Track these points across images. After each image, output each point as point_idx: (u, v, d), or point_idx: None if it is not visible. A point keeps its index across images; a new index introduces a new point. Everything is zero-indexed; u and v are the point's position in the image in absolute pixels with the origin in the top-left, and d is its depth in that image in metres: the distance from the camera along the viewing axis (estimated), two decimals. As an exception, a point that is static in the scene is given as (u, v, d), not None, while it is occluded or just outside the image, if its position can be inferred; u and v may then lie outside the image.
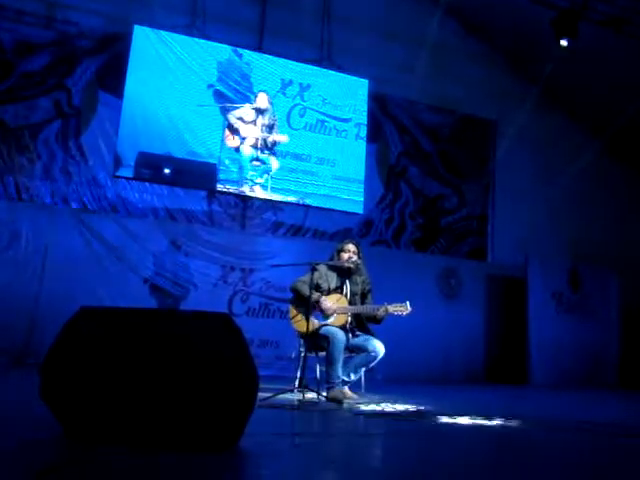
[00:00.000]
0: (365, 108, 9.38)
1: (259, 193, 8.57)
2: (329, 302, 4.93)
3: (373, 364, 4.80)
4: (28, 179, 7.62)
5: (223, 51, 8.67)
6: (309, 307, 4.74)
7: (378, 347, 4.74)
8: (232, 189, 8.46)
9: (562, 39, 8.37)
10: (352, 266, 5.06)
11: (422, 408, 4.24)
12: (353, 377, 4.77)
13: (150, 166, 8.08)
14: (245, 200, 8.67)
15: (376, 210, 9.55)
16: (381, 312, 4.80)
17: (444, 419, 3.63)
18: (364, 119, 9.36)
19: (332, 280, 5.08)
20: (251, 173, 8.51)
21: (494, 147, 10.51)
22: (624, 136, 10.27)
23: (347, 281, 5.09)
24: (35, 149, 7.71)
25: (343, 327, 4.87)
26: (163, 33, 8.33)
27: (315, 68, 9.13)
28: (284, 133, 8.79)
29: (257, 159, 8.55)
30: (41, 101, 7.82)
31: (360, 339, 4.88)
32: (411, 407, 4.30)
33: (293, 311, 5.00)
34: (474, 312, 9.47)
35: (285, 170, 8.71)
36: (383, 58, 9.32)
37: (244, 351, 2.34)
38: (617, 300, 10.02)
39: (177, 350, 2.31)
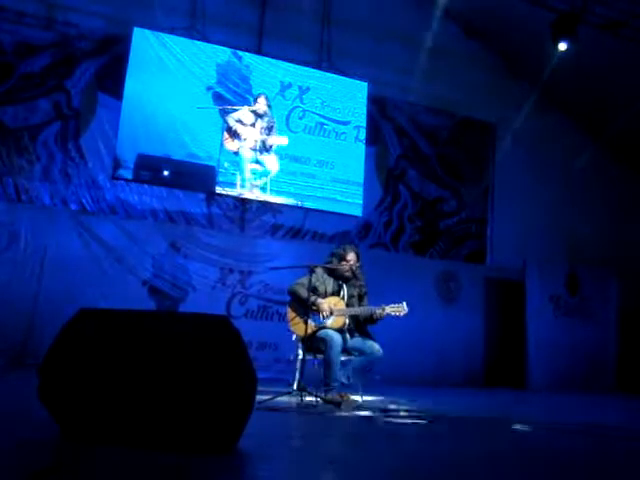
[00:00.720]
0: (364, 111, 9.39)
1: (258, 195, 8.58)
2: (327, 304, 4.93)
3: (371, 366, 4.80)
4: (27, 181, 7.63)
5: (222, 53, 8.68)
6: (307, 309, 4.74)
7: (376, 349, 4.75)
8: (231, 191, 8.46)
9: (561, 42, 8.39)
10: (350, 276, 5.07)
11: (420, 410, 4.24)
12: (351, 379, 4.77)
13: (149, 168, 8.08)
14: (244, 202, 8.67)
15: (375, 213, 9.55)
16: (378, 313, 4.81)
17: (442, 421, 3.63)
18: (363, 122, 9.37)
19: (329, 284, 5.07)
20: (250, 175, 8.51)
21: (493, 150, 10.52)
22: (623, 139, 10.29)
23: (344, 285, 5.10)
24: (34, 151, 7.71)
25: (341, 329, 4.87)
26: (163, 35, 8.33)
27: (314, 71, 9.14)
28: (283, 135, 8.79)
29: (256, 161, 8.56)
30: (41, 103, 7.83)
31: (358, 341, 4.88)
32: (409, 409, 4.30)
33: (291, 314, 5.00)
34: (473, 315, 9.47)
35: (284, 172, 8.71)
36: (382, 61, 9.33)
37: (243, 353, 2.35)
38: (615, 303, 10.02)
39: (175, 352, 2.31)
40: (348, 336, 4.90)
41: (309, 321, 4.74)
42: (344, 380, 4.72)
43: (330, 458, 2.44)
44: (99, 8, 8.10)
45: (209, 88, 8.56)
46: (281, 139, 8.74)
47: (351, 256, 5.10)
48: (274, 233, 8.80)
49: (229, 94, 8.63)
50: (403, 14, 9.54)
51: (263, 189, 8.57)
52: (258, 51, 8.91)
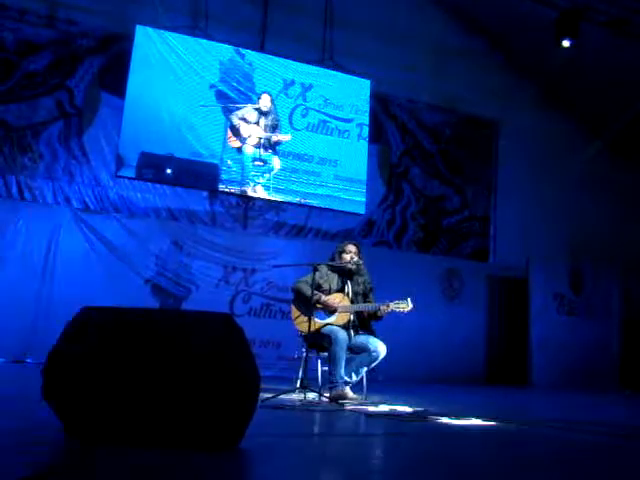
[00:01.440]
0: (367, 108, 9.38)
1: (261, 193, 8.57)
2: (332, 299, 4.93)
3: (374, 364, 4.79)
4: (30, 179, 7.64)
5: (225, 51, 8.67)
6: (311, 307, 4.74)
7: (380, 347, 4.73)
8: (234, 189, 8.46)
9: (564, 39, 8.37)
10: (353, 267, 5.06)
11: (423, 409, 4.24)
12: (355, 377, 4.76)
13: (152, 166, 8.08)
14: (247, 200, 8.67)
15: (378, 210, 9.55)
16: (383, 310, 4.80)
17: (445, 420, 3.63)
18: (366, 119, 9.36)
19: (333, 281, 5.07)
20: (253, 173, 8.51)
21: (496, 148, 10.51)
22: (627, 136, 10.26)
23: (348, 282, 5.09)
24: (37, 149, 7.72)
25: (345, 326, 4.87)
26: (165, 33, 8.33)
27: (317, 68, 9.13)
28: (286, 133, 8.79)
29: (259, 159, 8.55)
30: (43, 101, 7.84)
31: (362, 339, 4.87)
32: (412, 408, 4.29)
33: (295, 311, 5.00)
34: (475, 313, 9.47)
35: (287, 170, 8.71)
36: (385, 58, 9.32)
37: (246, 351, 2.34)
38: (619, 301, 10.00)
39: (179, 350, 2.31)
40: (352, 333, 4.89)
41: (313, 318, 4.73)
42: (348, 378, 4.71)
43: (333, 457, 2.44)
44: (101, 6, 8.10)
45: (212, 86, 8.55)
46: (284, 137, 8.74)
47: (350, 248, 5.10)
48: (277, 231, 8.80)
49: (232, 92, 8.62)
50: (406, 11, 9.54)
51: (266, 187, 8.56)
52: (261, 49, 8.90)
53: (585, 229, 10.30)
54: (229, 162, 8.44)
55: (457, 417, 3.71)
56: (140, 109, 8.09)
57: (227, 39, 8.68)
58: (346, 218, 9.17)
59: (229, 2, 8.72)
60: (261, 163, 8.56)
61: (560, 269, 9.79)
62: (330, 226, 9.09)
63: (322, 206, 8.90)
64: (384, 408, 4.27)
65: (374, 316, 4.91)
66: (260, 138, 8.58)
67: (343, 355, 4.68)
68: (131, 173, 8.00)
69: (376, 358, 4.73)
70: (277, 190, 8.63)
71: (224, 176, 8.40)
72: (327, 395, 4.54)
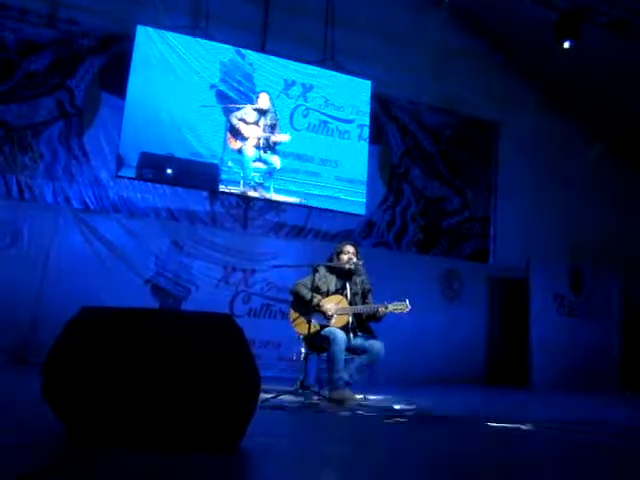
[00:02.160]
0: (368, 109, 9.37)
1: (261, 194, 8.57)
2: (329, 304, 4.92)
3: (374, 365, 4.80)
4: (30, 178, 7.63)
5: (226, 51, 8.67)
6: (310, 309, 4.74)
7: (379, 348, 4.74)
8: (234, 189, 8.46)
9: (565, 41, 8.37)
10: (352, 267, 5.06)
11: (423, 409, 4.23)
12: (354, 378, 4.76)
13: (152, 166, 8.08)
14: (247, 201, 8.67)
15: (378, 211, 9.55)
16: (381, 311, 4.80)
17: (445, 421, 3.62)
18: (367, 120, 9.35)
19: (332, 282, 5.07)
20: (253, 174, 8.50)
21: (496, 148, 10.51)
22: (627, 137, 10.26)
23: (347, 283, 5.09)
24: (38, 149, 7.72)
25: (344, 328, 4.87)
26: (166, 33, 8.32)
27: (318, 69, 9.13)
28: (286, 133, 8.79)
29: (259, 160, 8.55)
30: (44, 101, 7.83)
31: (361, 340, 4.87)
32: (412, 408, 4.29)
33: (293, 314, 5.00)
34: (475, 314, 9.46)
35: (287, 171, 8.71)
36: (386, 59, 9.32)
37: (246, 352, 2.34)
38: (619, 302, 10.00)
39: (178, 350, 2.31)
40: (351, 335, 4.89)
41: (312, 321, 4.73)
42: (347, 378, 4.71)
43: (333, 458, 2.43)
44: (102, 6, 8.09)
45: (212, 86, 8.55)
46: (283, 136, 8.73)
47: (348, 248, 5.11)
48: (277, 231, 8.79)
49: (233, 92, 8.62)
50: (407, 13, 9.53)
51: (266, 187, 8.56)
52: (262, 49, 8.89)
53: (585, 230, 10.29)
54: (229, 162, 8.43)
55: (457, 418, 3.71)
56: (140, 109, 8.08)
57: (228, 39, 8.68)
58: (346, 219, 9.16)
59: (230, 2, 8.71)
60: (261, 164, 8.56)
61: (560, 270, 9.78)
62: (330, 227, 9.09)
63: (322, 207, 8.89)
64: (384, 408, 4.27)
65: (373, 318, 4.91)
66: (259, 138, 8.57)
67: (342, 356, 4.68)
68: (131, 173, 8.00)
69: (375, 359, 4.74)
70: (277, 190, 8.62)
71: (224, 176, 8.39)
72: (327, 396, 4.54)
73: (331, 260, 5.16)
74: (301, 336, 4.89)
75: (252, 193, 8.53)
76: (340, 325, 4.86)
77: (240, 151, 8.49)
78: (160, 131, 8.14)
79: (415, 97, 9.87)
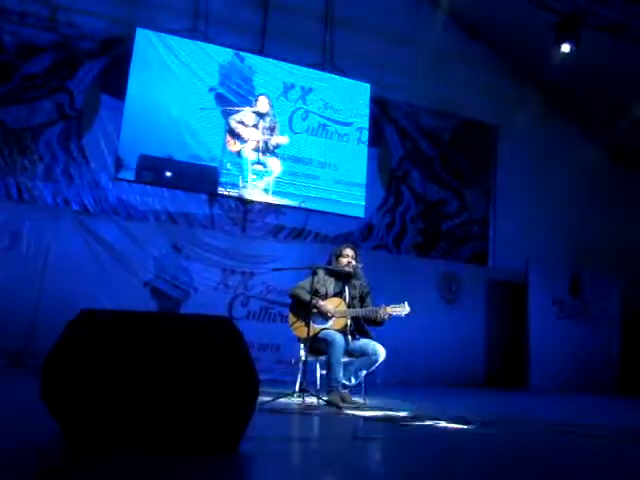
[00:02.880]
0: (367, 112, 9.39)
1: (260, 196, 8.58)
2: (329, 305, 4.92)
3: (373, 368, 4.78)
4: (30, 181, 7.63)
5: (225, 54, 8.68)
6: (309, 312, 4.73)
7: (378, 350, 4.73)
8: (233, 192, 8.46)
9: (564, 44, 8.38)
10: (351, 270, 5.05)
11: (422, 412, 4.23)
12: (354, 381, 4.75)
13: (151, 169, 8.08)
14: (246, 203, 8.67)
15: (377, 214, 9.55)
16: (380, 314, 4.79)
17: (443, 423, 3.62)
18: (366, 123, 9.37)
19: (330, 285, 5.06)
20: (252, 176, 8.51)
21: (495, 151, 10.52)
22: (626, 141, 10.27)
23: (346, 286, 5.08)
24: (37, 151, 7.72)
25: (343, 331, 4.86)
26: (165, 36, 8.34)
27: (317, 72, 9.15)
28: (284, 135, 8.79)
29: (259, 162, 8.56)
30: (43, 103, 7.83)
31: (360, 343, 4.87)
32: (411, 411, 4.29)
33: (292, 317, 4.99)
34: (474, 317, 9.46)
35: (287, 174, 8.72)
36: (385, 62, 9.33)
37: (244, 355, 2.34)
38: (618, 305, 10.01)
39: (177, 353, 2.31)
40: (350, 338, 4.88)
41: (311, 323, 4.73)
42: (346, 381, 4.70)
43: (331, 461, 2.43)
44: (101, 9, 8.11)
45: (212, 89, 8.56)
46: (282, 139, 8.74)
47: (347, 251, 5.09)
48: (276, 234, 8.79)
49: (232, 95, 8.63)
50: (406, 16, 9.54)
51: (265, 190, 8.57)
52: (261, 52, 8.91)
53: (584, 233, 10.30)
54: (228, 165, 8.44)
55: (456, 421, 3.71)
56: (140, 112, 8.09)
57: (227, 42, 8.69)
58: (345, 222, 9.17)
59: (229, 5, 8.73)
60: (260, 166, 8.57)
61: (559, 273, 9.80)
62: (329, 230, 9.09)
63: (321, 210, 8.90)
64: (382, 412, 4.26)
65: (374, 322, 4.89)
66: (259, 141, 8.58)
67: (340, 359, 4.67)
68: (130, 176, 8.00)
69: (375, 361, 4.73)
70: (276, 193, 8.63)
71: (223, 179, 8.40)
72: (325, 398, 4.54)
73: (330, 263, 5.15)
74: (300, 339, 4.88)
75: (251, 196, 8.53)
76: (339, 328, 4.86)
77: (239, 154, 8.50)
78: (159, 134, 8.15)
79: (414, 100, 9.88)
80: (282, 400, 4.38)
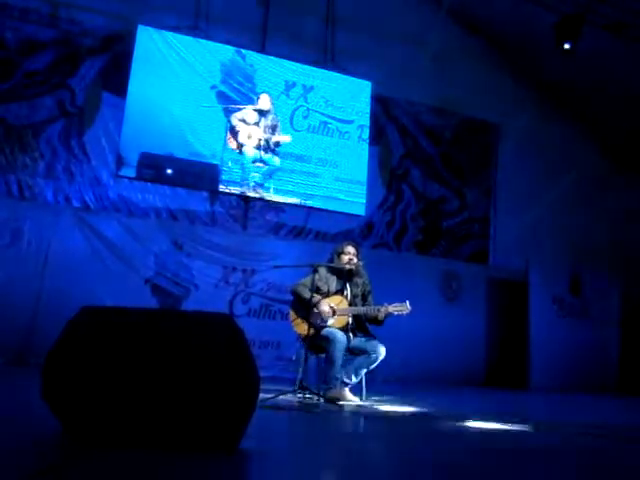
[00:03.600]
0: (368, 110, 9.39)
1: (261, 194, 8.58)
2: (327, 306, 4.90)
3: (374, 366, 4.79)
4: (31, 178, 7.64)
5: (226, 52, 8.68)
6: (310, 310, 4.74)
7: (379, 349, 4.73)
8: (234, 190, 8.46)
9: (565, 43, 8.37)
10: (353, 268, 5.05)
11: (421, 410, 4.24)
12: (354, 379, 4.75)
13: (152, 166, 8.08)
14: (247, 201, 8.67)
15: (377, 212, 9.55)
16: (381, 312, 4.79)
17: (443, 421, 3.63)
18: (367, 121, 9.37)
19: (332, 283, 5.06)
20: (253, 174, 8.51)
21: (496, 150, 10.51)
22: (627, 140, 10.26)
23: (347, 283, 5.08)
24: (38, 148, 7.72)
25: (344, 329, 4.86)
26: (167, 33, 8.33)
27: (318, 70, 9.14)
28: (287, 134, 8.80)
29: (260, 160, 8.56)
30: (44, 100, 7.83)
31: (361, 341, 4.87)
32: (410, 409, 4.29)
33: (293, 314, 4.99)
34: (475, 315, 9.46)
35: (287, 171, 8.72)
36: (386, 60, 9.32)
37: (245, 352, 2.34)
38: (618, 305, 10.02)
39: (178, 350, 2.31)
40: (351, 336, 4.89)
41: (312, 321, 4.73)
42: (347, 379, 4.71)
43: (331, 458, 2.44)
44: (103, 6, 8.11)
45: (213, 87, 8.56)
46: (284, 137, 8.74)
47: (349, 249, 5.09)
48: (277, 232, 8.79)
49: (233, 93, 8.63)
50: (407, 14, 9.53)
51: (266, 188, 8.57)
52: (262, 50, 8.90)
53: (585, 232, 10.30)
54: (229, 163, 8.44)
55: (455, 419, 3.71)
56: (141, 109, 8.09)
57: (228, 40, 8.69)
58: (346, 220, 9.16)
59: (230, 3, 8.72)
60: (261, 164, 8.57)
61: (559, 272, 9.80)
62: (330, 227, 9.09)
63: (322, 207, 8.90)
64: (382, 409, 4.27)
65: (375, 321, 4.90)
66: (260, 139, 8.58)
67: (340, 356, 4.67)
68: (131, 173, 8.00)
69: (375, 360, 4.73)
70: (277, 191, 8.63)
71: (224, 177, 8.40)
72: (325, 396, 4.54)
73: (331, 260, 5.15)
74: (301, 336, 4.88)
75: (252, 193, 8.53)
76: (340, 326, 4.86)
77: (240, 151, 8.49)
78: (160, 131, 8.15)
79: (415, 98, 9.88)
80: (282, 397, 4.39)
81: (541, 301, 9.46)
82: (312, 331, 4.70)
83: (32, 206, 7.49)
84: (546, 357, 9.15)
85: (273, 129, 8.68)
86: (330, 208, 8.94)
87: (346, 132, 9.22)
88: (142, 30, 8.19)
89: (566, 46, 8.39)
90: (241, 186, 8.47)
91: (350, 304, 4.97)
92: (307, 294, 4.82)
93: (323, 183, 8.91)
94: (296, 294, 4.98)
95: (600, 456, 2.84)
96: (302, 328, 4.79)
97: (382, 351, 4.73)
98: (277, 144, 8.68)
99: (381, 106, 9.72)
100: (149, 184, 8.18)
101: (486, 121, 10.43)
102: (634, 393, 9.05)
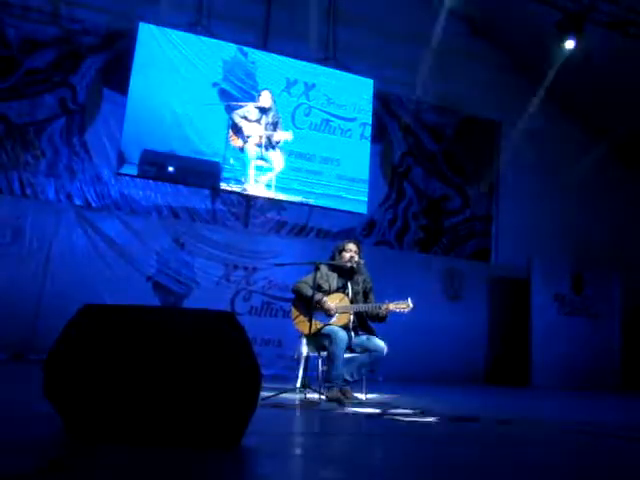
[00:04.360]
0: (370, 108, 9.38)
1: (263, 192, 8.57)
2: (331, 302, 4.91)
3: (375, 364, 4.78)
4: (32, 175, 7.64)
5: (228, 49, 8.67)
6: (312, 307, 4.73)
7: (381, 346, 4.72)
8: (236, 187, 8.46)
9: (567, 41, 8.36)
10: (354, 266, 5.04)
11: (422, 409, 4.23)
12: (355, 377, 4.74)
13: (154, 164, 8.08)
14: (249, 199, 8.67)
15: (379, 210, 9.55)
16: (383, 310, 4.78)
17: (444, 419, 3.62)
18: (369, 119, 9.36)
19: (333, 280, 5.05)
20: (255, 172, 8.51)
21: (498, 148, 10.50)
22: (630, 138, 10.24)
23: (349, 281, 5.07)
24: (39, 146, 7.72)
25: (345, 326, 4.86)
26: (168, 31, 8.33)
27: (320, 67, 9.13)
28: (287, 131, 8.79)
29: (261, 158, 8.55)
30: (46, 98, 7.84)
31: (362, 338, 4.86)
32: (412, 408, 4.29)
33: (295, 312, 4.98)
34: (477, 313, 9.46)
35: (289, 169, 8.71)
36: (388, 58, 9.32)
37: (247, 350, 2.34)
38: (620, 302, 10.01)
39: (180, 348, 2.31)
40: (353, 334, 4.88)
41: (313, 319, 4.72)
42: (348, 377, 4.70)
43: (332, 456, 2.44)
44: (104, 3, 8.11)
45: (215, 84, 8.55)
46: (285, 134, 8.73)
47: (350, 246, 5.07)
48: (279, 230, 8.79)
49: (235, 90, 8.62)
50: (409, 11, 9.53)
51: (268, 186, 8.56)
52: (264, 47, 8.90)
53: (586, 230, 10.29)
54: (231, 160, 8.44)
55: (456, 417, 3.71)
56: (142, 106, 8.09)
57: (230, 37, 8.68)
58: (348, 217, 9.16)
59: (232, 0, 8.71)
60: (263, 162, 8.56)
61: (561, 270, 9.78)
62: (331, 225, 9.09)
63: (324, 205, 8.89)
64: (383, 408, 4.26)
65: (376, 318, 4.89)
66: (261, 136, 8.57)
67: (342, 355, 4.66)
68: (133, 170, 8.00)
69: (377, 358, 4.72)
70: (279, 189, 8.63)
71: (226, 174, 8.39)
72: (327, 394, 4.54)
73: (333, 258, 5.14)
74: (302, 334, 4.88)
75: (253, 191, 8.53)
76: (341, 324, 4.85)
77: (242, 149, 8.49)
78: (162, 128, 8.15)
79: (417, 96, 9.86)
80: (284, 395, 4.39)
81: (543, 299, 9.45)
82: (314, 329, 4.69)
83: (34, 204, 7.50)
84: (548, 355, 9.14)
85: (274, 126, 8.68)
86: (332, 206, 8.93)
87: (348, 130, 9.21)
88: (143, 27, 8.19)
89: (569, 44, 8.37)
90: (243, 184, 8.46)
91: (352, 302, 4.96)
92: (309, 292, 4.81)
93: (325, 181, 8.90)
94: (297, 292, 4.97)
95: (600, 456, 2.84)
96: (304, 326, 4.78)
97: (384, 349, 4.72)
98: (279, 141, 8.67)
99: (383, 104, 9.72)
100: (150, 182, 8.18)
101: (488, 119, 10.42)
102: (636, 390, 9.03)
